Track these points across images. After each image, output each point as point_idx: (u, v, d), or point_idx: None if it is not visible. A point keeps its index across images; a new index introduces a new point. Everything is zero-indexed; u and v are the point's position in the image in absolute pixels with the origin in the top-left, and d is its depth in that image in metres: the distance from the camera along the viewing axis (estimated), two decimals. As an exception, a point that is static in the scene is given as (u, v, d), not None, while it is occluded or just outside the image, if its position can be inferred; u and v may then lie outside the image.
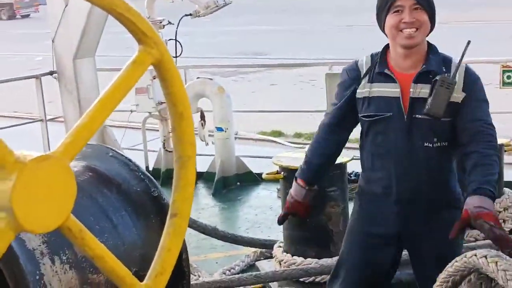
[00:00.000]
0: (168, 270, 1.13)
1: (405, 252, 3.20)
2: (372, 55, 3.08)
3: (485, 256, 2.35)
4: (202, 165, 7.24)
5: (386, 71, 2.98)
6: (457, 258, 2.46)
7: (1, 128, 7.34)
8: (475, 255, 2.39)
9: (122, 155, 2.19)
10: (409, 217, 3.03)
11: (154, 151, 7.72)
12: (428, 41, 3.03)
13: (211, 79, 7.34)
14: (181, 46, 6.93)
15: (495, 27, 22.82)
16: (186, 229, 1.20)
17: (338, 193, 4.46)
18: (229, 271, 4.71)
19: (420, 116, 2.91)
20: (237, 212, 6.52)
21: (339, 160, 4.53)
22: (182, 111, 1.12)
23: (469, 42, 3.02)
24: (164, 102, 6.91)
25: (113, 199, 2.08)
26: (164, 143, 7.45)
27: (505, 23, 23.02)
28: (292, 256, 4.34)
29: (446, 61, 2.99)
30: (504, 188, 4.76)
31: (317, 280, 4.26)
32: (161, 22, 7.03)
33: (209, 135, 7.27)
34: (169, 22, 7.10)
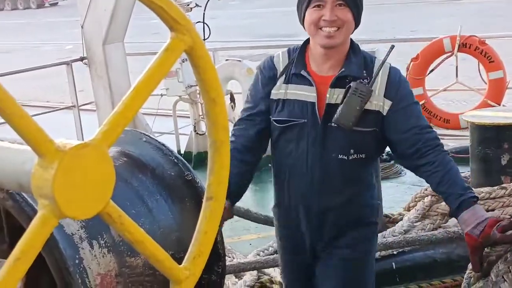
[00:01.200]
0: (205, 253, 1.15)
1: (439, 231, 3.16)
2: (289, 51, 2.75)
3: (521, 233, 2.34)
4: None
5: (303, 72, 2.67)
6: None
7: (35, 115, 7.44)
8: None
9: (156, 140, 2.22)
10: (319, 232, 2.80)
11: (185, 134, 7.77)
12: (351, 40, 2.72)
13: (240, 60, 7.34)
14: (209, 29, 6.94)
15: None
16: (221, 212, 1.22)
17: (370, 172, 4.45)
18: (263, 252, 4.74)
19: (333, 124, 2.62)
20: (270, 193, 6.54)
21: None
22: (215, 97, 1.13)
23: (392, 47, 2.73)
24: (194, 85, 6.97)
25: (148, 184, 2.11)
26: (195, 126, 7.49)
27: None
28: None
29: (367, 62, 2.69)
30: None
31: (350, 259, 4.27)
32: (188, 5, 7.04)
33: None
34: (197, 5, 7.11)
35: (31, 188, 0.96)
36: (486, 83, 6.73)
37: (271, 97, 2.72)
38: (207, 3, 6.73)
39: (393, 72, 2.71)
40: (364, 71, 2.67)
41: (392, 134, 2.66)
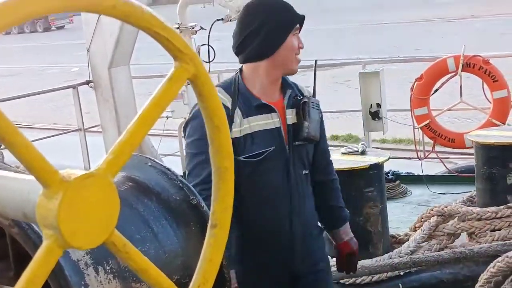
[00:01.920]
0: (210, 281, 1.16)
1: (446, 251, 3.18)
2: (225, 88, 2.74)
3: (527, 255, 2.33)
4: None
5: (263, 102, 2.72)
6: (499, 259, 2.45)
7: (42, 139, 7.48)
8: (517, 254, 2.38)
9: (161, 164, 2.23)
10: (298, 252, 2.85)
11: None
12: None
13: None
14: (214, 51, 6.97)
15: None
16: (226, 239, 1.22)
17: (376, 193, 4.45)
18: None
19: (298, 143, 2.77)
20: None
21: (375, 160, 4.54)
22: (219, 124, 1.15)
23: (316, 62, 2.97)
24: (199, 108, 6.99)
25: (153, 208, 2.11)
26: (200, 148, 7.50)
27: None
28: (332, 258, 4.34)
29: (295, 84, 2.89)
30: None
31: (357, 281, 4.25)
32: (193, 28, 7.08)
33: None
34: (201, 28, 7.15)
35: (36, 218, 0.97)
36: (490, 102, 6.73)
37: (232, 136, 2.62)
38: (211, 26, 6.77)
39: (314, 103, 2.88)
40: (297, 91, 2.87)
41: (319, 148, 2.94)
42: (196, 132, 2.69)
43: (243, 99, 2.71)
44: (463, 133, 6.81)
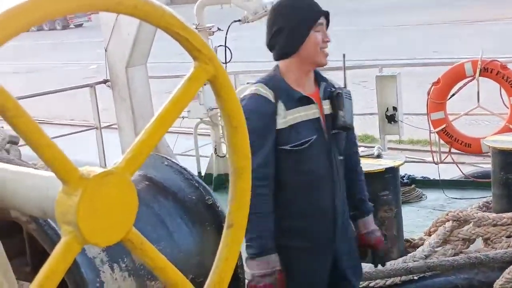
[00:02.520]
0: (226, 280, 1.16)
1: (461, 256, 3.19)
2: (266, 83, 2.86)
3: (543, 261, 2.32)
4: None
5: (302, 94, 2.86)
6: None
7: (59, 136, 7.53)
8: (533, 260, 2.37)
9: (177, 164, 2.24)
10: (339, 229, 2.98)
11: (206, 156, 7.79)
12: None
13: (260, 84, 7.38)
14: (231, 52, 6.99)
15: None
16: (242, 238, 1.23)
17: (391, 197, 4.44)
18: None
19: (335, 131, 2.92)
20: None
21: (391, 164, 4.53)
22: (237, 125, 1.15)
23: (344, 56, 3.16)
24: (215, 108, 7.01)
25: (169, 207, 2.13)
26: (215, 149, 7.52)
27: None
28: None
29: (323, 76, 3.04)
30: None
31: (371, 285, 4.24)
32: (210, 29, 7.10)
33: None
34: (219, 29, 7.17)
35: (55, 215, 0.98)
36: (508, 108, 6.69)
37: (278, 128, 2.81)
38: (228, 27, 6.79)
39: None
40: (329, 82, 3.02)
41: (349, 141, 3.10)
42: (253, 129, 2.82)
43: (283, 93, 2.84)
44: (479, 138, 6.76)
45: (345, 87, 3.04)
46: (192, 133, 7.78)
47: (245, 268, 2.55)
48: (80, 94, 8.09)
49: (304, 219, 2.91)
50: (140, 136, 1.05)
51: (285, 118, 2.81)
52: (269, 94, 2.82)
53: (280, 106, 2.81)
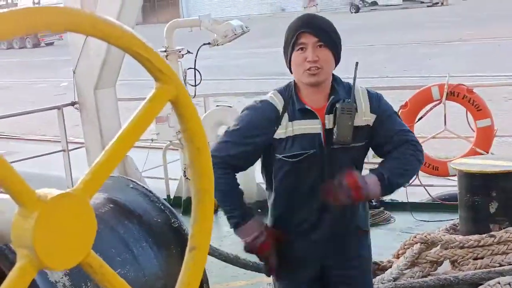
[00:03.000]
0: (187, 304, 1.14)
1: (430, 278, 3.18)
2: (280, 92, 2.97)
3: (509, 284, 2.34)
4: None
5: (307, 107, 2.91)
6: (481, 287, 2.45)
7: (26, 159, 7.44)
8: (499, 283, 2.38)
9: (143, 186, 2.22)
10: (330, 250, 3.01)
11: (175, 179, 7.74)
12: (332, 73, 2.99)
13: (230, 106, 7.39)
14: (201, 75, 6.99)
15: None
16: (205, 262, 1.21)
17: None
18: (251, 299, 4.69)
19: (336, 147, 2.89)
20: (259, 240, 6.51)
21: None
22: (200, 146, 1.14)
23: (357, 64, 3.00)
24: (184, 131, 6.99)
25: (134, 231, 2.10)
26: (185, 171, 7.48)
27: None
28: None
29: (347, 88, 2.98)
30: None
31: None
32: (180, 52, 7.09)
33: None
34: (188, 51, 7.16)
35: (10, 238, 0.96)
36: (474, 131, 6.78)
37: (275, 137, 2.90)
38: (198, 49, 6.78)
39: (372, 91, 3.04)
40: (347, 95, 2.97)
41: (381, 138, 2.96)
42: (247, 116, 2.96)
43: (293, 104, 2.91)
44: (446, 161, 6.83)
45: (352, 98, 2.93)
46: (161, 148, 7.72)
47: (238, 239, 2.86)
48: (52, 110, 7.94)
49: (290, 226, 3.02)
50: (100, 157, 1.04)
51: (286, 129, 2.89)
52: (278, 103, 2.92)
53: (285, 117, 2.90)
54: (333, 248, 3.01)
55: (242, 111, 3.02)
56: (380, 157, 3.08)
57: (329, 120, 2.90)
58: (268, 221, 3.09)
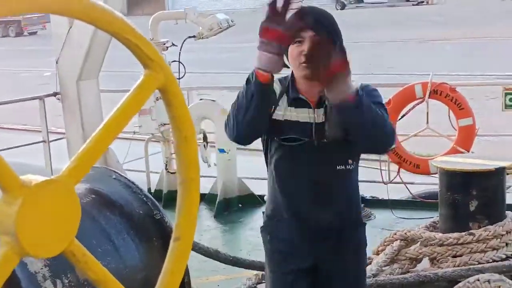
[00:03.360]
0: (171, 294, 1.13)
1: (411, 274, 3.18)
2: (280, 80, 2.96)
3: (488, 281, 2.35)
4: (204, 187, 7.22)
5: (300, 96, 2.90)
6: (460, 284, 2.46)
7: (6, 149, 7.35)
8: (478, 280, 2.39)
9: (125, 177, 2.20)
10: (322, 245, 2.98)
11: (156, 172, 7.71)
12: None
13: (214, 100, 7.37)
14: (184, 68, 6.96)
15: (499, 43, 22.91)
16: (189, 252, 1.20)
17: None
18: (231, 293, 4.69)
19: (326, 140, 2.87)
20: (239, 234, 6.52)
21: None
22: (187, 135, 1.13)
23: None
24: (167, 124, 6.95)
25: (115, 222, 2.08)
26: (166, 165, 7.45)
27: (509, 39, 23.11)
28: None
29: None
30: (506, 211, 4.75)
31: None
32: (164, 44, 7.06)
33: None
34: (173, 44, 7.13)
35: (-6, 224, 0.94)
36: (456, 130, 6.82)
37: (273, 117, 2.88)
38: (183, 42, 6.76)
39: (367, 86, 2.95)
40: None
41: None
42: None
43: (292, 92, 2.90)
44: (428, 159, 6.87)
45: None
46: (143, 139, 7.68)
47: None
48: (34, 100, 7.84)
49: (285, 212, 2.99)
50: (86, 144, 1.02)
51: (284, 111, 2.89)
52: (277, 87, 2.90)
53: (283, 99, 2.90)
54: (330, 241, 2.98)
55: None
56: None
57: (318, 114, 2.88)
58: (265, 207, 3.10)
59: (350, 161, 2.94)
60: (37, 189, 0.94)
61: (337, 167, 2.92)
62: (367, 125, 2.73)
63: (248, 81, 2.68)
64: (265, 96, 2.70)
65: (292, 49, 2.83)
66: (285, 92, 2.93)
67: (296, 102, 2.90)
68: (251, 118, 2.70)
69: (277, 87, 2.91)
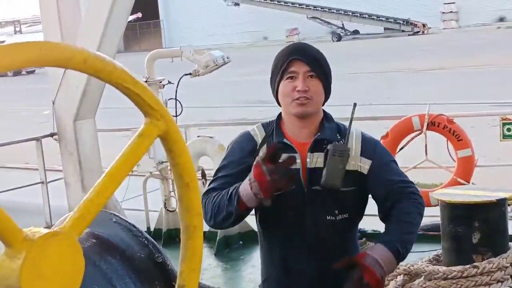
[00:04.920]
0: None
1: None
2: (263, 125, 2.85)
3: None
4: (204, 225, 7.18)
5: (285, 140, 2.74)
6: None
7: (5, 191, 7.34)
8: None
9: (126, 220, 2.18)
10: None
11: (155, 211, 7.67)
12: (323, 110, 2.86)
13: (211, 137, 7.37)
14: (181, 105, 6.98)
15: (495, 71, 23.08)
16: (194, 300, 1.19)
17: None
18: (234, 333, 4.63)
19: (319, 188, 2.69)
20: (241, 272, 6.46)
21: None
22: (189, 182, 1.12)
23: (355, 105, 2.84)
24: (165, 162, 6.95)
25: (116, 266, 2.06)
26: (165, 203, 7.42)
27: (506, 67, 23.27)
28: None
29: (340, 129, 2.82)
30: (510, 242, 4.72)
31: None
32: (161, 82, 7.09)
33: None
34: (169, 82, 7.16)
35: (-3, 279, 0.93)
36: (455, 161, 6.82)
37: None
38: (179, 80, 6.79)
39: (366, 135, 2.85)
40: (338, 135, 2.78)
41: (378, 190, 2.77)
42: (228, 155, 2.86)
43: (276, 136, 2.78)
44: (428, 191, 6.86)
45: (346, 140, 2.76)
46: (144, 175, 7.66)
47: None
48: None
49: (277, 264, 2.87)
50: (88, 194, 1.01)
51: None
52: (258, 134, 2.82)
53: (263, 149, 2.73)
54: None
55: (227, 147, 2.95)
56: (381, 212, 2.93)
57: (311, 159, 2.73)
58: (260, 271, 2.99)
59: (337, 211, 2.76)
60: (40, 242, 0.93)
61: (329, 217, 2.75)
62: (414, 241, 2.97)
63: (231, 195, 2.60)
64: (243, 217, 2.70)
65: (285, 85, 2.72)
66: (267, 140, 2.78)
67: (283, 148, 2.65)
68: (228, 223, 2.71)
69: (257, 134, 2.81)
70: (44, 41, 0.90)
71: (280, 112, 2.86)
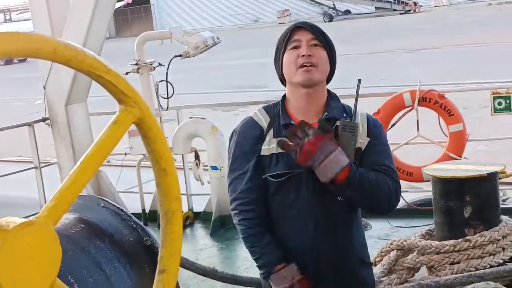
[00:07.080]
0: (158, 328, 1.12)
1: (412, 284, 3.14)
2: (266, 109, 2.80)
3: (483, 290, 2.35)
4: (199, 205, 7.20)
5: (292, 122, 2.69)
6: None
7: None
8: (473, 289, 2.39)
9: (114, 205, 2.19)
10: (326, 277, 2.77)
11: (150, 193, 7.69)
12: (328, 89, 2.80)
13: (204, 118, 7.36)
14: (173, 87, 6.96)
15: (487, 49, 23.05)
16: (175, 284, 1.20)
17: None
18: (230, 312, 4.67)
19: None
20: (236, 252, 6.49)
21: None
22: (166, 167, 1.13)
23: (359, 81, 2.78)
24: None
25: (105, 250, 2.07)
26: (159, 185, 7.42)
27: (497, 44, 23.24)
28: None
29: (345, 108, 2.79)
30: (501, 216, 4.76)
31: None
32: (151, 64, 7.06)
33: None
34: (160, 64, 7.13)
35: (-28, 270, 0.93)
36: (446, 136, 6.83)
37: (262, 154, 2.70)
38: (169, 62, 6.76)
39: (370, 116, 2.84)
40: (344, 114, 2.75)
41: (365, 166, 2.68)
42: (236, 147, 2.79)
43: (283, 118, 2.73)
44: (420, 166, 6.87)
45: (353, 117, 2.72)
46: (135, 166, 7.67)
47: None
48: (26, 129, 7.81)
49: (288, 250, 2.77)
50: (64, 182, 1.02)
51: (269, 145, 2.69)
52: (262, 119, 2.75)
53: (270, 133, 2.70)
54: (330, 278, 2.77)
55: (230, 138, 2.86)
56: None
57: None
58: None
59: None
60: (15, 232, 0.93)
61: (338, 198, 2.69)
62: (363, 198, 2.68)
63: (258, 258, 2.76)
64: None
65: (289, 55, 2.69)
66: (273, 123, 2.73)
67: (287, 129, 2.65)
68: None
69: (261, 119, 2.76)
70: (14, 31, 0.90)
71: (284, 94, 2.81)
